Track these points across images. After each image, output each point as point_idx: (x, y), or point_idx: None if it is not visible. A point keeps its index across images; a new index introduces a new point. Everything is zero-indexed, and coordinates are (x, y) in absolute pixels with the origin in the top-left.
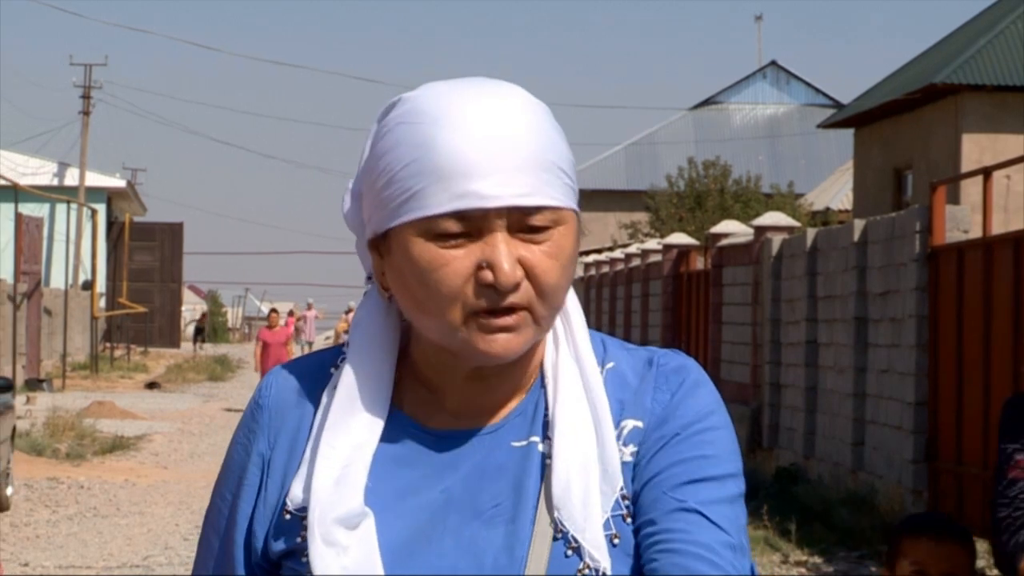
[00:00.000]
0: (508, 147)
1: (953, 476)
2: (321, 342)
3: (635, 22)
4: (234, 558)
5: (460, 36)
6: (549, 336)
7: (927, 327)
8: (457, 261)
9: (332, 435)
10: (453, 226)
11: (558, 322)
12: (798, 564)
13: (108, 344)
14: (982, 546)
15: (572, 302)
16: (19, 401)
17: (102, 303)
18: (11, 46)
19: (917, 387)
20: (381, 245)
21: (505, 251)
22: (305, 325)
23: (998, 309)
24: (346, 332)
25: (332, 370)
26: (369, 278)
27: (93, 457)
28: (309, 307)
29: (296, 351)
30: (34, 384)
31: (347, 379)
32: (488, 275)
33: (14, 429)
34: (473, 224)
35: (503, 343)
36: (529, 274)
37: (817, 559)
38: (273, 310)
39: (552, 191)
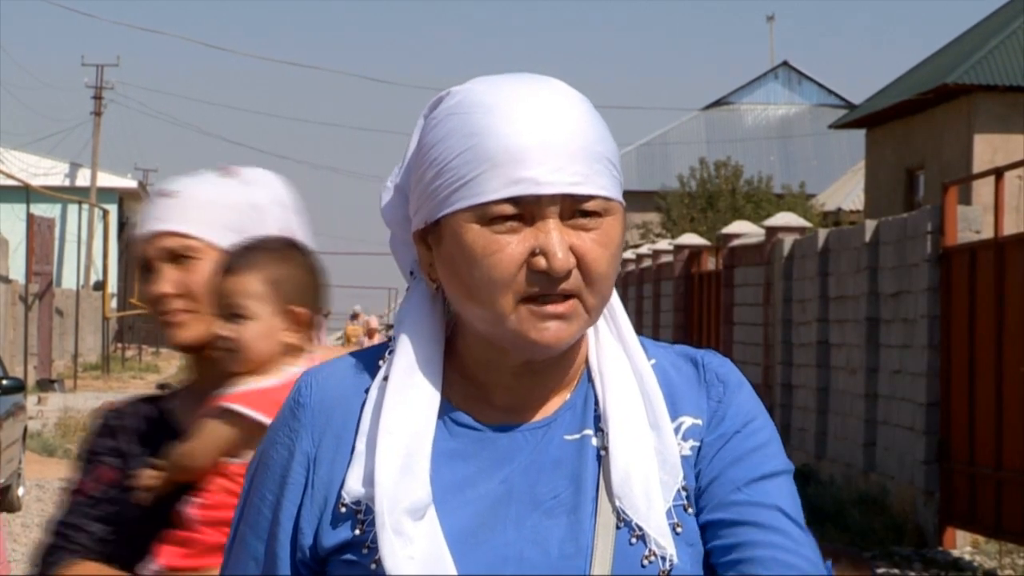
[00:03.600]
0: (561, 136)
1: (965, 476)
2: (332, 343)
3: (646, 22)
4: (278, 557)
5: (471, 37)
6: (591, 331)
7: (939, 328)
8: (511, 247)
9: (389, 423)
10: (507, 211)
11: (601, 318)
12: None
13: (120, 344)
14: (992, 547)
15: (614, 297)
16: (30, 402)
17: (113, 303)
18: (23, 46)
19: (929, 388)
20: (430, 235)
21: (558, 238)
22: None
23: (1010, 309)
24: (366, 335)
25: (380, 363)
26: (411, 273)
27: None
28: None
29: None
30: (45, 385)
31: (398, 369)
32: (541, 261)
33: (25, 430)
34: (526, 210)
35: (555, 331)
36: (580, 262)
37: (828, 561)
38: None
39: (603, 180)
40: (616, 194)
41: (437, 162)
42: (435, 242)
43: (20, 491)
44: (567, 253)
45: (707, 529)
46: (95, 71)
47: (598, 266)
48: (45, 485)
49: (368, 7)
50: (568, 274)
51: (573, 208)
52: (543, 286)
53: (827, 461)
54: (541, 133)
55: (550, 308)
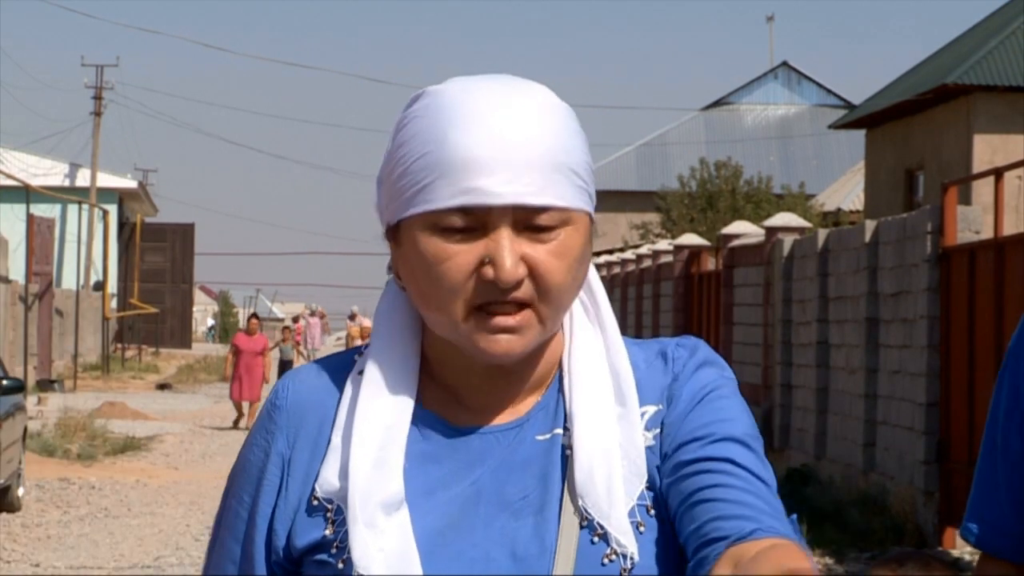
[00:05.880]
0: (517, 146)
1: (965, 477)
2: (331, 344)
3: (646, 22)
4: (254, 559)
5: (470, 37)
6: (568, 329)
7: (938, 328)
8: (460, 256)
9: (364, 416)
10: (458, 221)
11: (583, 315)
12: None
13: (119, 345)
14: None
15: (600, 294)
16: (30, 402)
17: (113, 304)
18: (23, 47)
19: (928, 388)
20: (395, 235)
21: (508, 248)
22: (309, 331)
23: (1010, 310)
24: (360, 336)
25: (356, 357)
26: (389, 268)
27: (104, 458)
28: (312, 313)
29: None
30: (46, 385)
31: (373, 364)
32: (490, 271)
33: (25, 430)
34: (478, 220)
35: (505, 344)
36: (533, 272)
37: (828, 560)
38: (254, 315)
39: (560, 191)
40: (579, 203)
41: (401, 163)
42: (398, 243)
43: (20, 491)
44: (516, 263)
45: (667, 494)
46: (95, 71)
47: (552, 277)
48: (45, 485)
49: (368, 7)
50: (518, 284)
51: (527, 219)
52: (493, 295)
53: (827, 461)
54: (497, 143)
55: (500, 321)
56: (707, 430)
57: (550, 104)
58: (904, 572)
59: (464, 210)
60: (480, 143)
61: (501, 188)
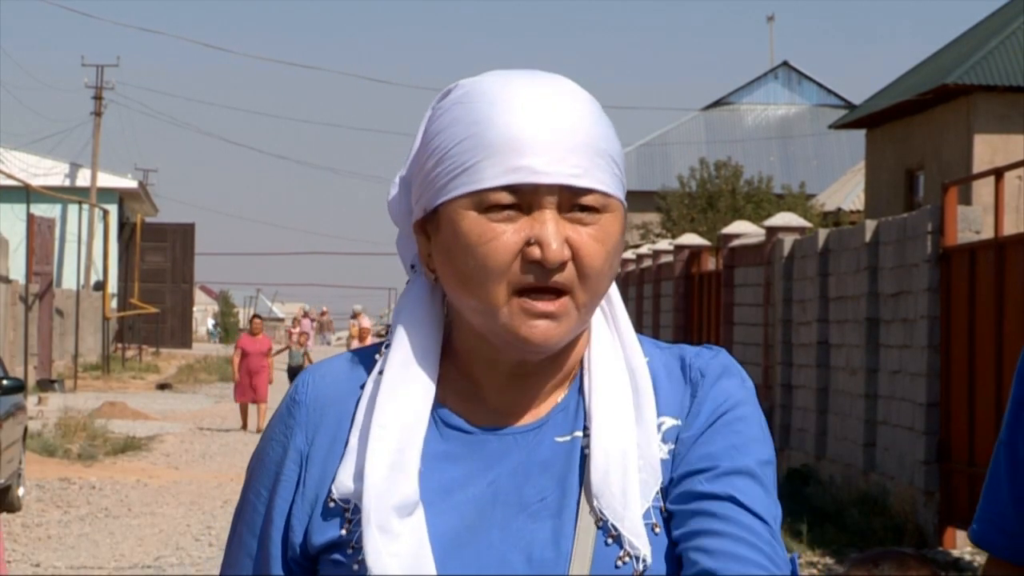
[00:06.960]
0: (564, 128)
1: (965, 477)
2: (333, 344)
3: (646, 23)
4: (270, 555)
5: (470, 37)
6: (591, 331)
7: (939, 328)
8: (506, 236)
9: (382, 417)
10: (504, 200)
11: (600, 315)
12: (810, 565)
13: (120, 345)
14: None
15: (615, 294)
16: (31, 402)
17: (114, 304)
18: (23, 47)
19: (929, 388)
20: (429, 224)
21: (554, 229)
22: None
23: (1010, 309)
24: (358, 337)
25: (376, 356)
26: (412, 267)
27: (105, 458)
28: (306, 315)
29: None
30: (46, 385)
31: (394, 363)
32: (536, 251)
33: (26, 430)
34: (524, 199)
35: (544, 330)
36: (575, 255)
37: (829, 560)
38: (256, 316)
39: (603, 176)
40: (617, 191)
41: (439, 150)
42: (433, 231)
43: (20, 491)
44: (562, 244)
45: (670, 521)
46: (95, 71)
47: (593, 261)
48: (45, 485)
49: (368, 7)
50: (562, 266)
51: (571, 201)
52: (537, 276)
53: (827, 461)
54: (543, 124)
55: (540, 306)
56: (716, 460)
57: (584, 94)
58: (879, 572)
59: (512, 189)
60: (527, 124)
61: (549, 168)
